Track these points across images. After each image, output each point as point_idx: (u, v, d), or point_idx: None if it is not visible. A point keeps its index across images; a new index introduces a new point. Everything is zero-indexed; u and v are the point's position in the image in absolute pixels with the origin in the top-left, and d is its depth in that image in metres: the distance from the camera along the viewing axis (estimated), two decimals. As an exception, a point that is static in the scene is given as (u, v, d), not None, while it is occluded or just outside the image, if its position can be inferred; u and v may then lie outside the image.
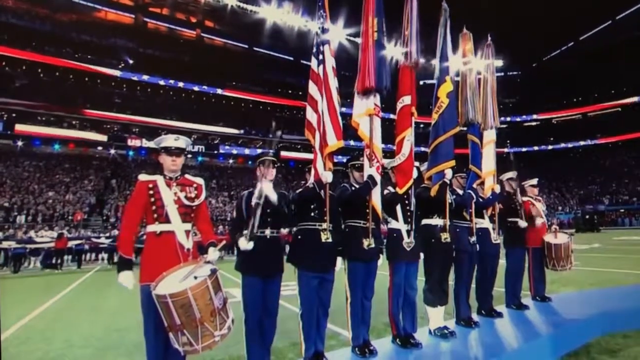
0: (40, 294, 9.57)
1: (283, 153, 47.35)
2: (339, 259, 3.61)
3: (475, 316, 4.71)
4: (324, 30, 3.86)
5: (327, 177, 3.50)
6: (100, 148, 40.73)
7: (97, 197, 30.75)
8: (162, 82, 45.97)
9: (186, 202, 2.96)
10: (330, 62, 3.78)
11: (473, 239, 4.66)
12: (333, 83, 3.74)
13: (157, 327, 2.64)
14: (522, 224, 5.52)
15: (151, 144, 40.90)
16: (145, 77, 44.86)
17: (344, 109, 4.09)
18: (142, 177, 2.90)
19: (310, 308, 3.40)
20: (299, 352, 3.48)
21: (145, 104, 42.98)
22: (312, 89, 3.83)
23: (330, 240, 3.47)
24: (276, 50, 55.54)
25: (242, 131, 47.89)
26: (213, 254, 2.87)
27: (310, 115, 3.84)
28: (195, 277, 2.56)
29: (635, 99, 53.47)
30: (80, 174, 34.11)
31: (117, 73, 43.51)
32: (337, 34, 47.39)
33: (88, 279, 13.24)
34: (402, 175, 4.05)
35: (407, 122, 4.21)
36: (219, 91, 49.00)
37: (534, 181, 6.14)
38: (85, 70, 41.75)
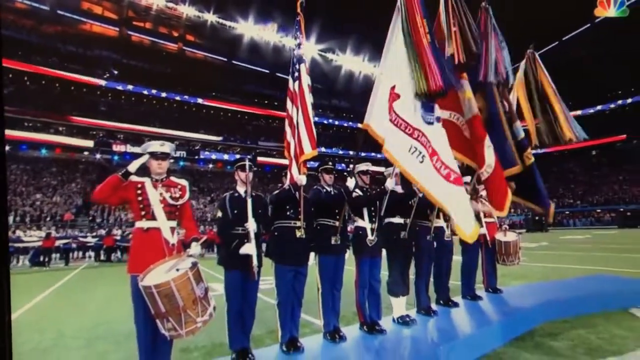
0: (30, 290, 9.33)
1: (260, 158, 47.42)
2: (312, 254, 3.73)
3: (434, 306, 4.85)
4: (299, 49, 3.96)
5: (302, 180, 3.61)
6: (86, 153, 39.75)
7: (83, 199, 29.99)
8: (145, 92, 45.42)
9: (171, 202, 3.02)
10: (306, 79, 3.87)
11: (429, 236, 4.79)
12: (308, 98, 3.83)
13: (146, 314, 2.69)
14: (482, 230, 5.69)
15: (136, 150, 40.67)
16: (129, 87, 44.22)
17: (316, 119, 4.13)
18: (133, 177, 2.95)
19: (285, 298, 3.51)
20: (276, 338, 3.57)
21: (129, 112, 42.23)
22: (288, 105, 3.93)
23: (303, 236, 3.59)
24: (253, 63, 55.62)
25: (221, 138, 47.63)
26: (195, 248, 2.95)
27: (287, 127, 3.94)
28: (178, 270, 2.64)
29: (578, 112, 55.70)
30: (67, 177, 33.23)
31: (102, 82, 42.77)
32: (310, 49, 47.99)
33: (76, 276, 12.95)
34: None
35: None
36: (200, 101, 48.87)
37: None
38: (71, 80, 40.89)
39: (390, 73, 3.89)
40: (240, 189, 3.54)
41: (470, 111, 4.37)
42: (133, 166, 2.93)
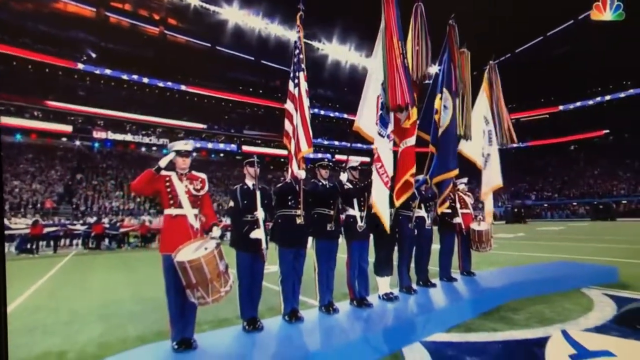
0: (27, 276, 9.77)
1: (244, 147, 47.74)
2: (310, 238, 4.38)
3: (414, 285, 5.56)
4: (299, 58, 4.56)
5: (301, 174, 4.26)
6: (64, 139, 39.24)
7: (65, 187, 29.91)
8: (125, 77, 45.00)
9: (194, 192, 3.62)
10: (304, 85, 4.49)
11: (411, 225, 5.44)
12: (306, 102, 4.46)
13: (177, 286, 3.30)
14: (458, 220, 6.48)
15: (117, 137, 40.47)
16: (108, 71, 43.72)
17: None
18: (162, 172, 3.52)
19: (287, 276, 4.17)
20: (275, 314, 4.27)
21: (109, 98, 41.82)
22: (289, 105, 4.53)
23: (303, 223, 4.24)
24: (238, 50, 55.34)
25: (205, 126, 47.69)
26: (217, 231, 3.58)
27: (287, 126, 4.54)
28: (206, 249, 3.25)
29: (560, 107, 57.54)
30: (45, 164, 32.90)
31: (79, 66, 42.10)
32: (295, 37, 48.07)
33: (68, 262, 13.33)
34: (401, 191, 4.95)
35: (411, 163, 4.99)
36: (183, 87, 48.68)
37: (465, 179, 7.11)
38: (45, 62, 40.14)
39: (377, 84, 4.62)
40: (249, 182, 4.15)
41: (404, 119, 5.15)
42: (163, 162, 3.50)
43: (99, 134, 40.10)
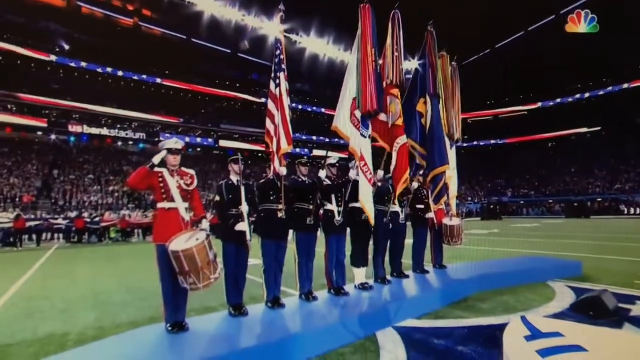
0: (15, 268, 10.19)
1: (222, 142, 47.65)
2: (290, 231, 4.76)
3: (389, 277, 6.00)
4: (280, 59, 4.91)
5: (283, 171, 4.64)
6: (40, 133, 38.47)
7: (43, 181, 29.56)
8: (100, 70, 44.03)
9: (185, 187, 3.97)
10: (285, 85, 4.86)
11: (386, 219, 5.83)
12: (286, 101, 4.83)
13: (170, 273, 3.65)
14: (430, 215, 6.89)
15: (93, 130, 39.83)
16: (83, 64, 42.66)
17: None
18: (156, 168, 3.83)
19: (270, 265, 4.55)
20: (258, 302, 4.67)
21: (85, 91, 40.74)
22: (270, 105, 4.89)
23: (284, 217, 4.61)
24: (215, 42, 54.63)
25: (182, 120, 47.15)
26: (205, 224, 3.93)
27: (269, 125, 4.89)
28: (197, 239, 3.60)
29: (539, 104, 58.69)
30: (22, 158, 32.46)
31: (52, 58, 40.91)
32: (273, 29, 47.73)
33: (53, 255, 13.65)
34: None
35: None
36: (159, 81, 47.76)
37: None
38: (17, 53, 38.75)
39: (353, 88, 5.08)
40: (234, 178, 4.50)
41: (393, 119, 5.69)
42: (157, 160, 3.81)
43: (74, 128, 39.29)
